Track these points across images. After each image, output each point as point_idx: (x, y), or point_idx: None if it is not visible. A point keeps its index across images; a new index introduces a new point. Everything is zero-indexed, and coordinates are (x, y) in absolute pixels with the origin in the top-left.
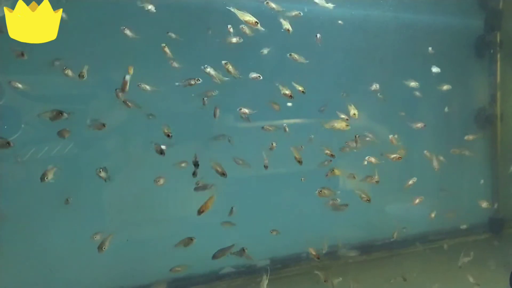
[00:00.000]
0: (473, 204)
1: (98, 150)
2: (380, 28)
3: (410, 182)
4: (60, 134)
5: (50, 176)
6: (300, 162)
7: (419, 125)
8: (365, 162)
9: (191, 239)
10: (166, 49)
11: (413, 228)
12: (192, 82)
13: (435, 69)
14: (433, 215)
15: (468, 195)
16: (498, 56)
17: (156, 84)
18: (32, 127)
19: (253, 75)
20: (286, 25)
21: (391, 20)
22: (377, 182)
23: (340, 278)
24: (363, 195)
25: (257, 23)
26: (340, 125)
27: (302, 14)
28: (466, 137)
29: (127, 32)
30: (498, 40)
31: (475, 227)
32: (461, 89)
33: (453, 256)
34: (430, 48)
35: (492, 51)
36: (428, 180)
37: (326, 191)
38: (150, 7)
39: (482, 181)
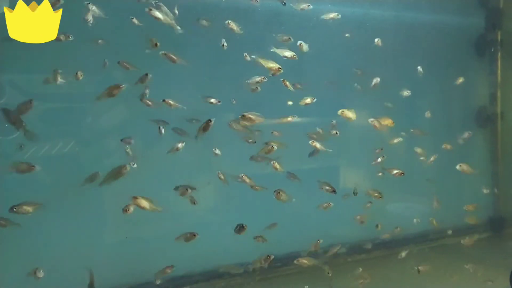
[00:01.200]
0: (473, 203)
1: (98, 148)
2: (380, 26)
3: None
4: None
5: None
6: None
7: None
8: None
9: (193, 234)
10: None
11: (414, 227)
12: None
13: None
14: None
15: (469, 194)
16: (499, 55)
17: (158, 82)
18: (33, 126)
19: (257, 78)
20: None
21: (391, 18)
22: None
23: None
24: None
25: (280, 68)
26: (387, 121)
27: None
28: (443, 146)
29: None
30: (499, 39)
31: (475, 226)
32: (461, 88)
33: (454, 255)
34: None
35: (492, 50)
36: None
37: (283, 194)
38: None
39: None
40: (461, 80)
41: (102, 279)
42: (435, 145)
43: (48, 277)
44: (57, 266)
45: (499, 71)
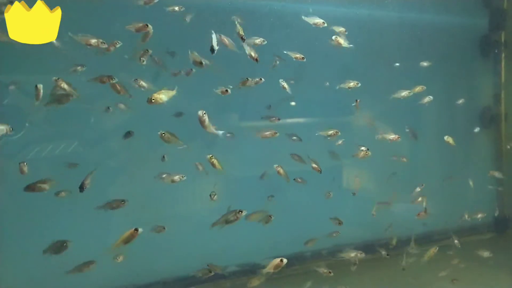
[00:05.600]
0: (478, 204)
1: (102, 149)
2: (385, 28)
3: None
4: None
5: None
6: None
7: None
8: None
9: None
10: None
11: (416, 227)
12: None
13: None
14: None
15: (473, 195)
16: (503, 55)
17: (159, 83)
18: (36, 126)
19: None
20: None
21: (395, 20)
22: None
23: None
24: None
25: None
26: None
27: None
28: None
29: None
30: (503, 39)
31: (479, 227)
32: (465, 88)
33: (458, 255)
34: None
35: (496, 51)
36: (432, 180)
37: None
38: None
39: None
40: (461, 101)
41: (107, 278)
42: (438, 145)
43: (55, 274)
44: (63, 264)
45: (503, 72)
